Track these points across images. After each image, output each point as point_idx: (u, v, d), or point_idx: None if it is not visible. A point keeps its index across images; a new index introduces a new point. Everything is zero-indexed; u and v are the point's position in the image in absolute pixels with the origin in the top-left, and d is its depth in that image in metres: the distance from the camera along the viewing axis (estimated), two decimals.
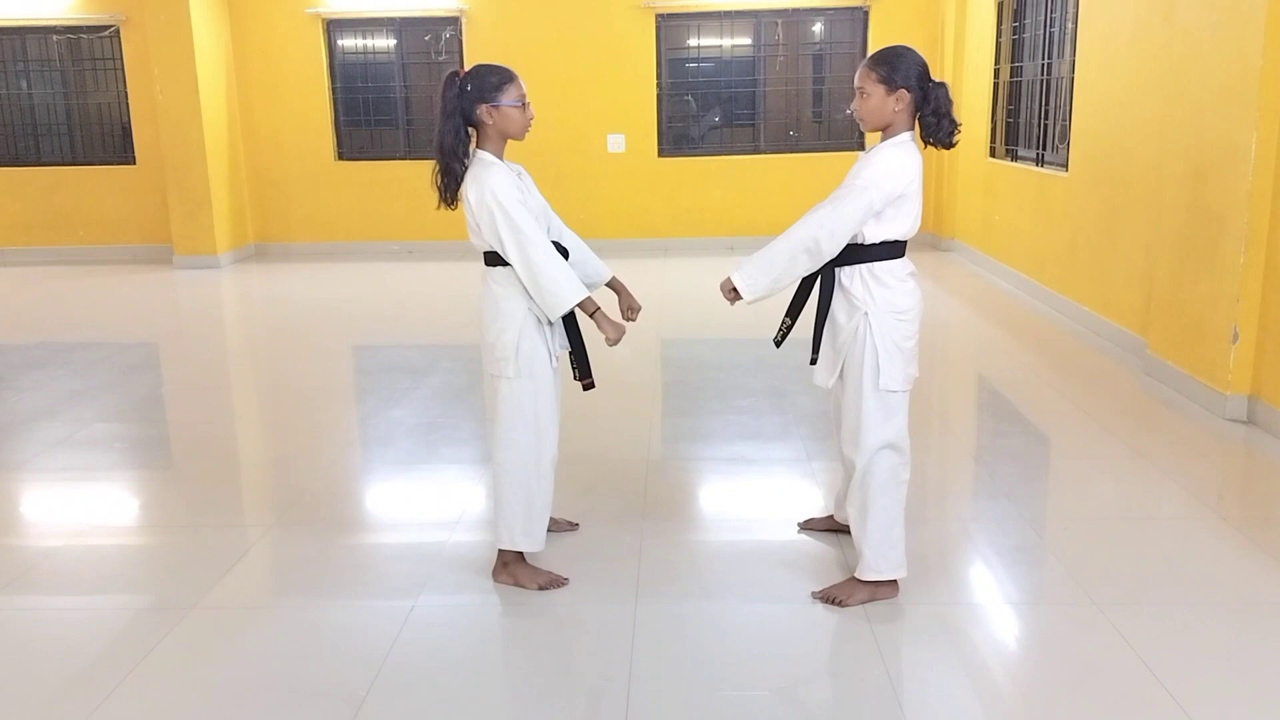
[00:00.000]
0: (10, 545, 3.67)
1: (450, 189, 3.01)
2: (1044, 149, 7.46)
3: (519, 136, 3.05)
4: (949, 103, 2.88)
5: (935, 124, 2.87)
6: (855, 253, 2.90)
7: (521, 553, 3.22)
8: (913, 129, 2.92)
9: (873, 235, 2.87)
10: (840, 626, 2.96)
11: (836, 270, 2.95)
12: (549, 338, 3.11)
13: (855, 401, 2.98)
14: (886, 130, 2.92)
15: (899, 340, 2.93)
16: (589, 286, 3.15)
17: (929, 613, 3.01)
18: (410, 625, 2.98)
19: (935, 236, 9.50)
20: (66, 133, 10.09)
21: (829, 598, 3.06)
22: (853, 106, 2.98)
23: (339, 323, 7.39)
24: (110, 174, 10.02)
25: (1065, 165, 6.82)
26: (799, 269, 2.90)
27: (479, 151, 3.02)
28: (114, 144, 10.09)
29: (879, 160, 2.85)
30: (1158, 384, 5.21)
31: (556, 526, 3.56)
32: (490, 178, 2.95)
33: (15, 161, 10.05)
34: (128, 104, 9.85)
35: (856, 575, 3.06)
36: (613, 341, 3.08)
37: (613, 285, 3.35)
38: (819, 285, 2.99)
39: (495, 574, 3.24)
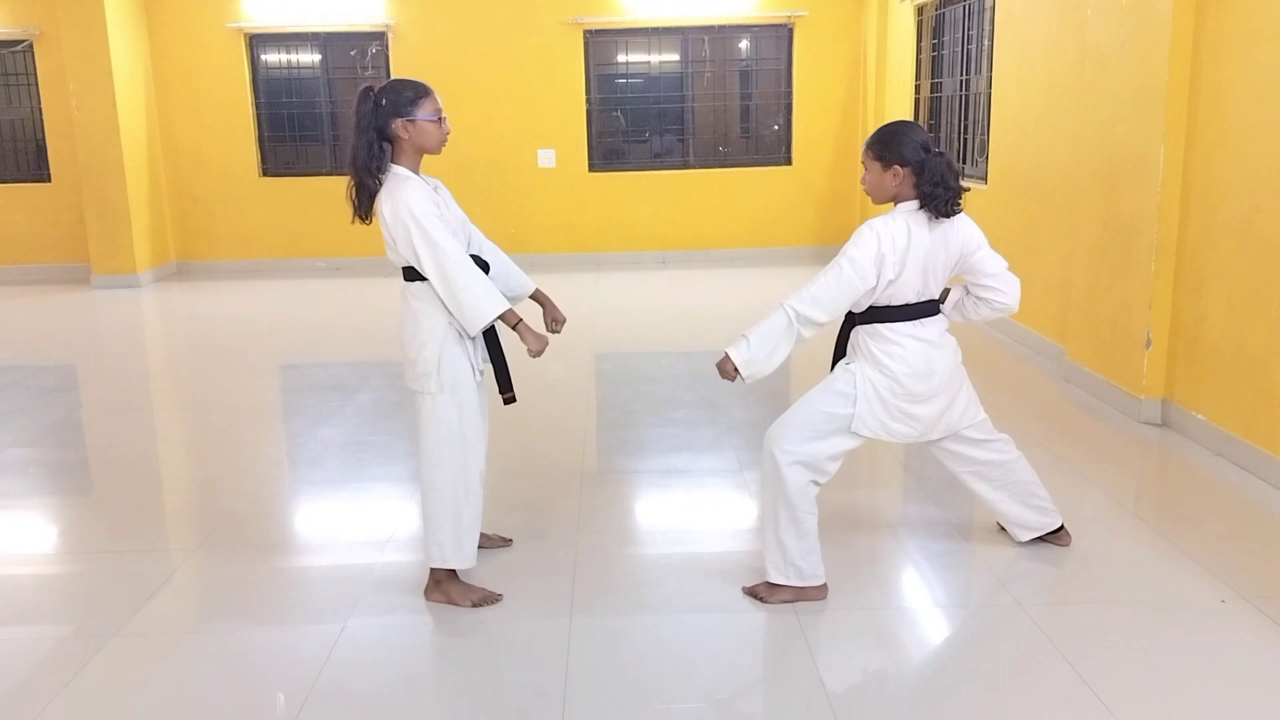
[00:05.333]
0: None
1: (364, 204, 2.99)
2: (965, 162, 7.65)
3: (435, 151, 3.05)
4: (948, 172, 2.93)
5: (930, 193, 2.93)
6: (856, 315, 3.08)
7: (454, 570, 3.20)
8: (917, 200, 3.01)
9: (859, 303, 3.02)
10: (774, 635, 2.99)
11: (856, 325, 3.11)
12: (471, 352, 3.10)
13: (807, 400, 3.09)
14: (895, 200, 3.03)
15: (880, 389, 3.03)
16: (512, 300, 3.15)
17: (861, 618, 3.06)
18: (340, 647, 2.93)
19: None
20: None
21: (753, 593, 3.16)
22: (861, 179, 3.11)
23: (265, 341, 7.26)
24: (24, 192, 9.72)
25: (985, 178, 7.00)
26: (792, 339, 2.97)
27: (394, 166, 3.00)
28: (28, 161, 9.80)
29: (863, 240, 2.94)
30: (1076, 389, 5.37)
31: (489, 543, 3.53)
32: (405, 193, 2.93)
33: None
34: (42, 120, 9.58)
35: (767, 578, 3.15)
36: (535, 353, 3.07)
37: (537, 298, 3.34)
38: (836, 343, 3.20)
39: (427, 592, 3.21)
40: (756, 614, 3.09)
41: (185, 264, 10.02)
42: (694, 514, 3.95)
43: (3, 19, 9.36)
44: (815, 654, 2.86)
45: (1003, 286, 3.10)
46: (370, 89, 2.98)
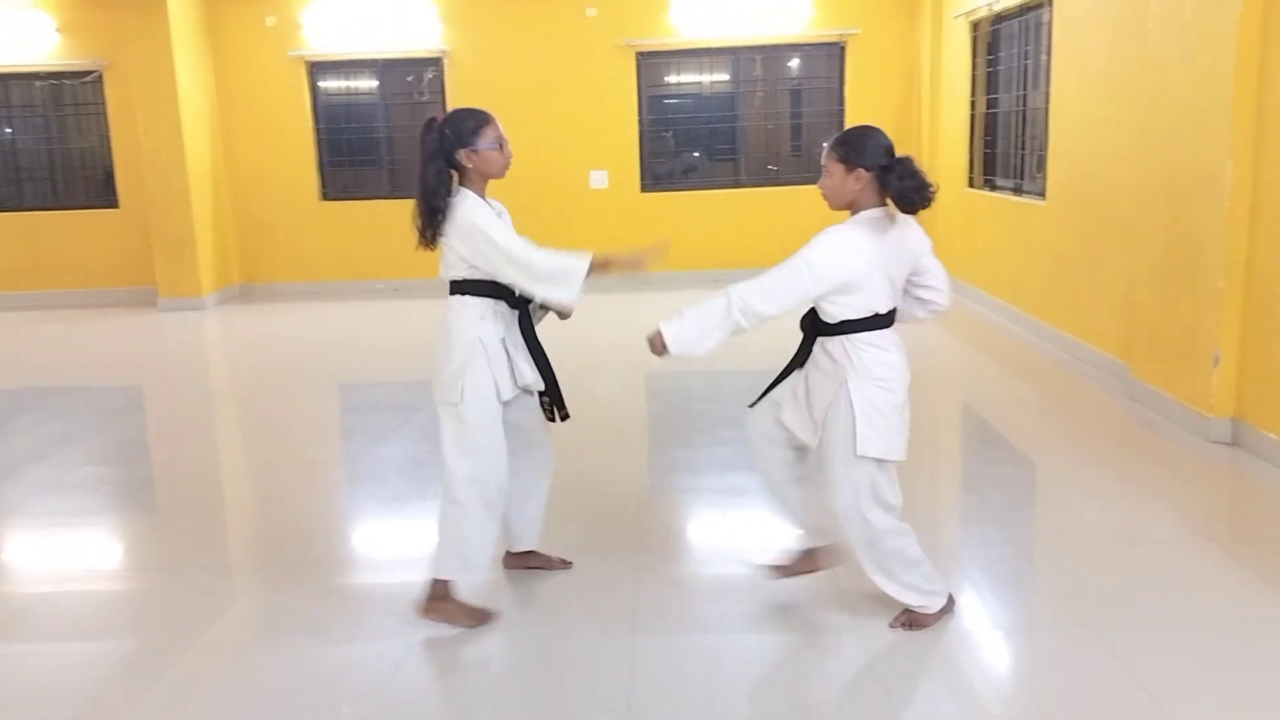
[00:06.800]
0: (1, 591, 3.64)
1: (432, 227, 3.04)
2: (1022, 178, 7.57)
3: (499, 175, 3.12)
4: (915, 172, 2.87)
5: (901, 187, 2.86)
6: (829, 326, 2.94)
7: (452, 588, 3.16)
8: (881, 206, 2.94)
9: (832, 315, 2.91)
10: (837, 656, 2.97)
11: (820, 339, 2.98)
12: (507, 370, 3.11)
13: (838, 471, 2.97)
14: (852, 207, 2.97)
15: (880, 406, 2.92)
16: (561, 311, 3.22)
17: (926, 640, 3.02)
18: (405, 664, 2.97)
19: None
20: (49, 177, 10.08)
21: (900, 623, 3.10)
22: (820, 183, 3.03)
23: (326, 361, 7.38)
24: (93, 218, 10.00)
25: (1043, 194, 6.91)
26: (730, 327, 2.89)
27: (460, 189, 3.08)
28: (97, 188, 10.09)
29: (825, 244, 2.87)
30: (1141, 408, 5.27)
31: (549, 564, 3.55)
32: (465, 206, 3.01)
33: None
34: (110, 148, 9.86)
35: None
36: (640, 267, 3.12)
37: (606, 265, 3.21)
38: (800, 347, 3.04)
39: (422, 608, 3.17)
40: (818, 635, 3.07)
41: (248, 286, 10.23)
42: (752, 534, 3.93)
43: (73, 51, 9.67)
44: (881, 677, 2.83)
45: (942, 286, 3.09)
46: (434, 120, 3.06)
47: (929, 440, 5.13)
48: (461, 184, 3.09)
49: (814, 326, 2.99)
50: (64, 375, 7.24)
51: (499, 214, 3.14)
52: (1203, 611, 3.15)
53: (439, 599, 3.18)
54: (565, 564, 3.59)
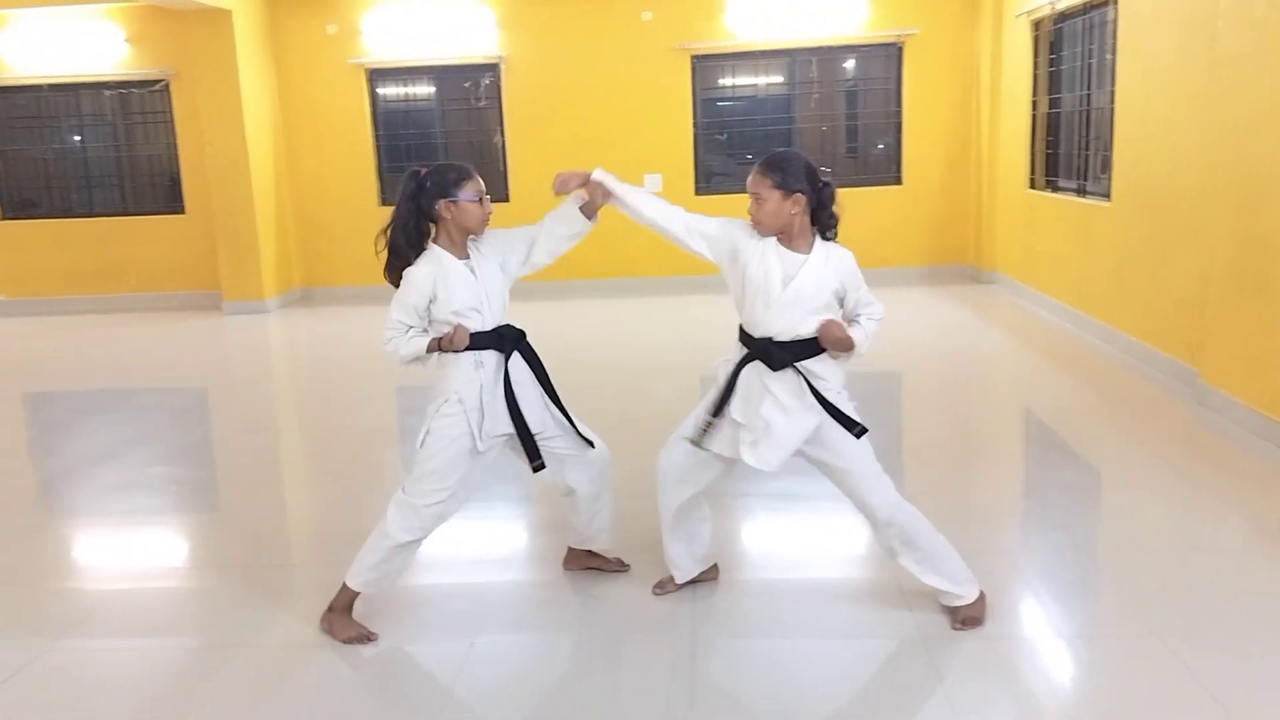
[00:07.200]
0: (75, 588, 3.75)
1: (394, 275, 3.08)
2: (1085, 179, 7.43)
3: (477, 231, 3.11)
4: (833, 200, 2.99)
5: (828, 220, 2.98)
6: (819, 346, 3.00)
7: (351, 603, 3.19)
8: (812, 229, 3.00)
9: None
10: (899, 662, 2.94)
11: (814, 359, 3.00)
12: (479, 423, 3.10)
13: (868, 471, 3.05)
14: (789, 229, 2.98)
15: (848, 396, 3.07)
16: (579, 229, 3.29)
17: (987, 647, 2.98)
18: (469, 664, 3.00)
19: (976, 269, 9.46)
20: (118, 184, 10.36)
21: (964, 623, 3.09)
22: (749, 210, 3.03)
23: (384, 364, 7.46)
24: (160, 223, 10.25)
25: (1107, 195, 6.78)
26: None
27: (432, 245, 3.09)
28: (164, 194, 10.34)
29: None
30: (1211, 413, 5.14)
31: (607, 565, 3.57)
32: (417, 272, 3.02)
33: (69, 213, 10.33)
34: (177, 155, 10.10)
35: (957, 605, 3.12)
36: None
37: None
38: (800, 378, 3.01)
39: (324, 617, 3.22)
40: (878, 640, 3.04)
41: (309, 290, 10.41)
42: (808, 539, 3.91)
43: (142, 61, 9.93)
44: (943, 683, 2.80)
45: None
46: (417, 172, 3.08)
47: (992, 445, 5.05)
48: (437, 239, 3.09)
49: (805, 350, 2.99)
50: (133, 377, 7.42)
51: (472, 268, 3.10)
52: (1274, 620, 3.06)
53: (334, 609, 3.19)
54: (623, 566, 3.60)
